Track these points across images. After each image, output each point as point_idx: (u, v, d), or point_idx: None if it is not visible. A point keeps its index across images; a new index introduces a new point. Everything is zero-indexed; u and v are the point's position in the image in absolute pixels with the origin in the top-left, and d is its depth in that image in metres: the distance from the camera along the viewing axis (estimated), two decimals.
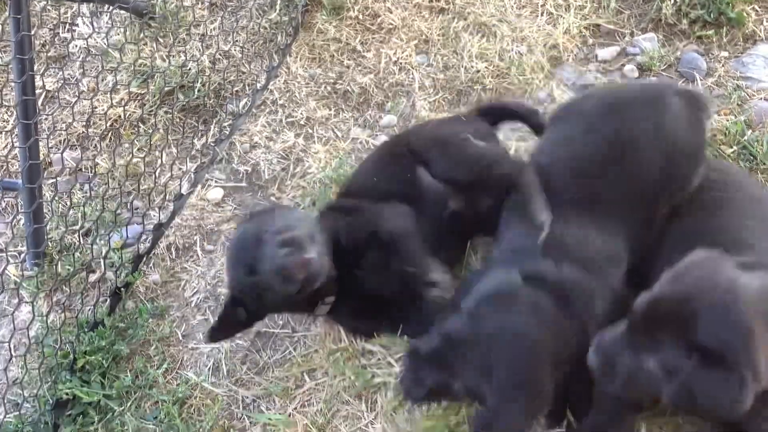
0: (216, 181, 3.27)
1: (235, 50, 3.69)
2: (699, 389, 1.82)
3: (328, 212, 2.67)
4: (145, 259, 3.04)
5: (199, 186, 3.26)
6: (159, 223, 3.12)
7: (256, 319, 2.58)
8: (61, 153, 3.25)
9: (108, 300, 2.88)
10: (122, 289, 2.92)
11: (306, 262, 2.32)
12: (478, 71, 3.40)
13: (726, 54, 3.37)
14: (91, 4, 3.80)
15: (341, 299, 2.55)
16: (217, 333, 2.56)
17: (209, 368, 2.71)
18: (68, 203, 3.03)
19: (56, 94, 3.62)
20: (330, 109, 3.46)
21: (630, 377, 1.94)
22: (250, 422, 2.57)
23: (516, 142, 3.08)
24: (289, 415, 2.55)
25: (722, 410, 1.83)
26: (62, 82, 3.66)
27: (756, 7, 3.51)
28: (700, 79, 3.27)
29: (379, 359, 2.59)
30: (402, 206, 2.57)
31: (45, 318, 2.73)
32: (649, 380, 1.90)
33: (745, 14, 3.45)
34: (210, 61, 3.60)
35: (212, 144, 3.38)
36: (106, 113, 3.37)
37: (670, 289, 1.91)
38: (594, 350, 2.00)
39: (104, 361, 2.69)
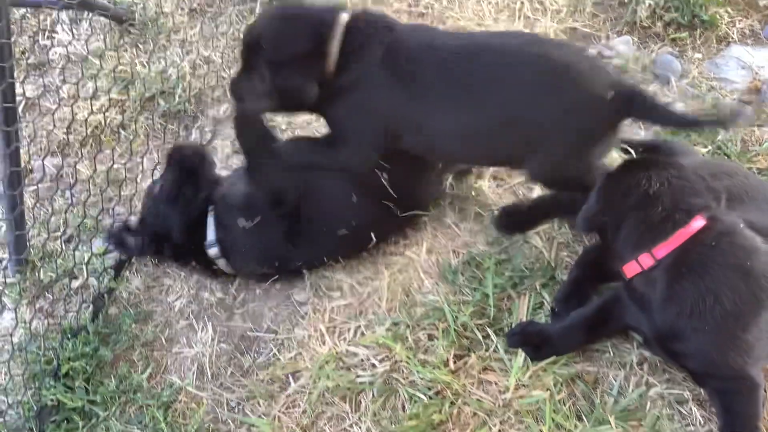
0: None
1: (215, 56, 3.70)
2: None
3: None
4: (127, 264, 3.05)
5: None
6: None
7: None
8: (42, 160, 3.26)
9: (91, 306, 2.89)
10: (105, 294, 2.93)
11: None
12: None
13: (700, 56, 3.44)
14: (71, 11, 3.80)
15: None
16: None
17: (194, 372, 2.72)
18: (50, 210, 3.03)
19: (37, 101, 3.61)
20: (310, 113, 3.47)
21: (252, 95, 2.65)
22: (235, 425, 2.58)
23: None
24: (274, 418, 2.56)
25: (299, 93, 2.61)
26: (42, 89, 3.65)
27: (729, 9, 3.59)
28: (675, 81, 3.33)
29: (362, 360, 2.61)
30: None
31: (28, 324, 2.73)
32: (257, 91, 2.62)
33: (718, 17, 3.52)
34: (190, 67, 3.61)
35: None
36: (86, 120, 3.36)
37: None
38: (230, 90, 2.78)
39: (88, 367, 2.69)
